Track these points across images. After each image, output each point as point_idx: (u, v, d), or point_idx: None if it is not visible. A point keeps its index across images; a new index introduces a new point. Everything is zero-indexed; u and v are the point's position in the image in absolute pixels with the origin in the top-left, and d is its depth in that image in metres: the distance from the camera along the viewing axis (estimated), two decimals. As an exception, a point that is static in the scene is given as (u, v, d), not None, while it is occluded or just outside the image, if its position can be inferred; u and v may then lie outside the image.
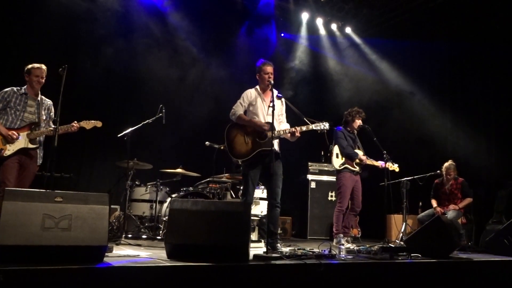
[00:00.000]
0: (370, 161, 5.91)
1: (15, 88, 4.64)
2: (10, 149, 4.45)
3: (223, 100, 6.41)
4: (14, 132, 4.48)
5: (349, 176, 5.72)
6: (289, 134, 4.60)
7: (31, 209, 2.93)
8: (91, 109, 6.74)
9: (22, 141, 4.52)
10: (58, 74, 4.06)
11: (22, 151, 4.53)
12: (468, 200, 6.36)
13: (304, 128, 4.59)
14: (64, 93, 3.98)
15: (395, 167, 5.97)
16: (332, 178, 7.79)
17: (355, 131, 5.97)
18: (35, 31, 6.60)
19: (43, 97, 4.79)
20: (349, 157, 5.74)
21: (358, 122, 5.90)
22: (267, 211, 4.47)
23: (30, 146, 4.57)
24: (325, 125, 4.60)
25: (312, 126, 4.59)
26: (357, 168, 5.77)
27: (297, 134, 4.56)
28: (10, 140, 4.46)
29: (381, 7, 8.75)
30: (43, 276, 2.60)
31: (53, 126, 4.68)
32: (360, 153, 5.83)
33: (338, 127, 5.94)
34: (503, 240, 5.32)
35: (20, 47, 6.40)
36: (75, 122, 4.75)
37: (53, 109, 4.88)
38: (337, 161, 5.79)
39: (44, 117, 4.74)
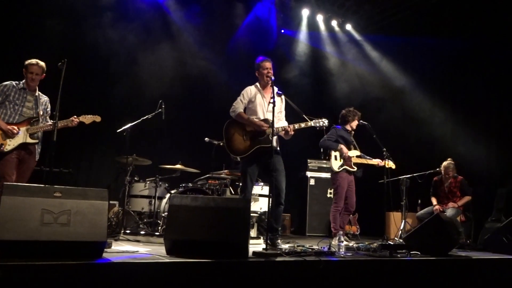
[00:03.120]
0: (365, 160, 5.88)
1: (14, 82, 4.59)
2: (10, 144, 4.43)
3: (223, 96, 6.38)
4: (14, 126, 4.45)
5: (345, 177, 5.74)
6: (283, 132, 4.60)
7: (30, 204, 2.92)
8: (90, 104, 6.68)
9: (21, 136, 4.49)
10: (57, 68, 4.02)
11: (22, 146, 4.50)
12: (467, 198, 6.37)
13: (303, 125, 4.59)
14: (63, 88, 3.95)
15: (391, 164, 5.93)
16: (332, 175, 7.78)
17: (352, 132, 5.97)
18: (35, 24, 6.55)
19: (40, 92, 4.75)
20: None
21: (356, 122, 5.91)
22: (271, 208, 4.35)
23: (30, 141, 4.55)
24: (324, 122, 4.62)
25: (311, 123, 4.60)
26: (355, 169, 5.78)
27: (291, 132, 4.57)
28: (10, 135, 4.43)
29: (382, 3, 8.70)
30: (42, 271, 2.59)
31: (51, 122, 4.66)
32: (355, 153, 5.82)
33: (338, 126, 5.95)
34: (502, 238, 5.32)
35: (20, 41, 6.36)
36: (75, 116, 4.72)
37: (49, 105, 4.84)
38: (336, 163, 5.78)
39: (41, 113, 4.70)
